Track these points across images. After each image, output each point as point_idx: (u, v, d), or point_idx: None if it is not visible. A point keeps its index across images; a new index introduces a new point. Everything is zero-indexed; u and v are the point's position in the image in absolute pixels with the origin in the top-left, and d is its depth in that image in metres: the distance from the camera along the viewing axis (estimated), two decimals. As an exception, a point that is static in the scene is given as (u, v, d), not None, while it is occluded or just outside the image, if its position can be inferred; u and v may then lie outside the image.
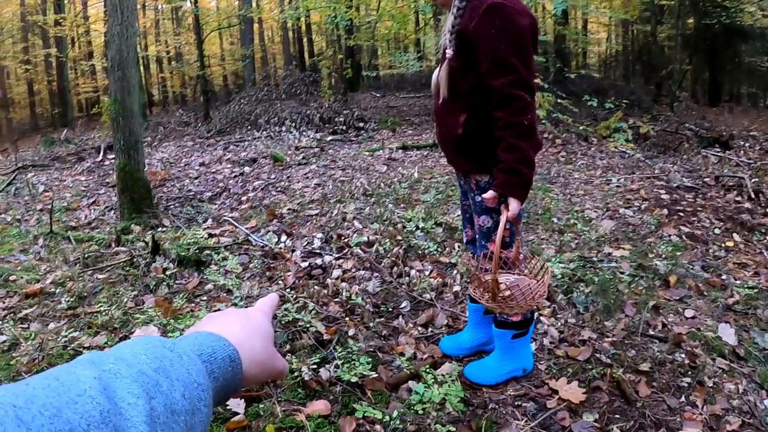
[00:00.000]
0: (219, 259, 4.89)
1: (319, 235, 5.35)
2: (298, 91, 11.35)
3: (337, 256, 4.97)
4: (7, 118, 26.87)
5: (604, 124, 9.84)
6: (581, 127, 9.70)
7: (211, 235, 5.89)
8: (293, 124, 10.55)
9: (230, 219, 6.29)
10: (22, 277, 5.11)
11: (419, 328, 3.76)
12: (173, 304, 4.11)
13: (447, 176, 8.03)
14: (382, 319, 3.89)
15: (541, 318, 3.85)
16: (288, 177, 7.85)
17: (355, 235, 5.32)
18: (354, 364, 3.25)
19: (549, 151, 9.21)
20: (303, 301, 4.08)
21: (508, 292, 2.31)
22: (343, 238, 5.29)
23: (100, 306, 4.43)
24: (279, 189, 7.48)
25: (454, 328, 3.74)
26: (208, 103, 13.50)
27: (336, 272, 4.62)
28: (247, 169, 8.49)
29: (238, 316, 0.85)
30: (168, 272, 4.68)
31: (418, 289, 4.25)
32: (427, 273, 4.54)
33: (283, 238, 5.47)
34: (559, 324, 3.80)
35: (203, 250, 5.02)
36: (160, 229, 6.48)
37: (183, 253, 4.82)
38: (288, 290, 4.38)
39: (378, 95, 16.69)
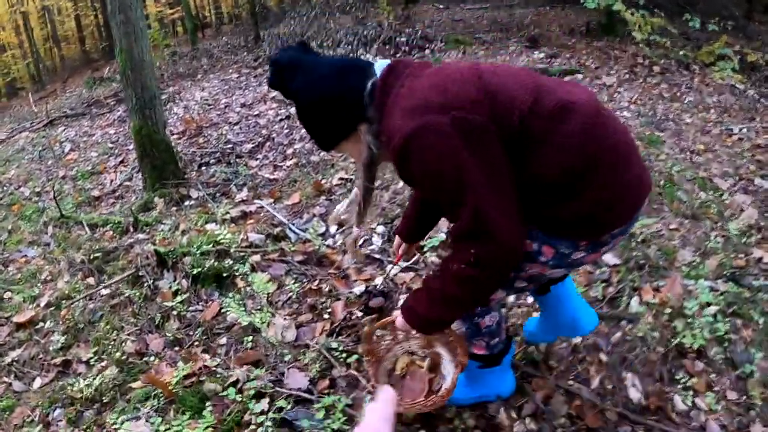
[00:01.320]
0: (245, 272, 3.68)
1: (380, 228, 4.05)
2: (354, 7, 9.74)
3: (405, 265, 3.68)
4: (60, 55, 26.04)
5: (707, 49, 7.94)
6: (681, 52, 7.82)
7: (244, 215, 4.69)
8: (350, 46, 9.04)
9: (267, 192, 5.04)
10: (18, 294, 4.07)
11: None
12: (176, 370, 2.94)
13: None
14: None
15: (696, 400, 2.53)
16: (342, 124, 6.49)
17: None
18: None
19: (647, 82, 7.47)
20: (355, 363, 2.86)
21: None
22: (408, 233, 3.98)
23: (95, 350, 3.32)
24: (331, 141, 6.15)
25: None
26: (257, 25, 12.00)
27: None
28: (294, 110, 7.15)
29: None
30: (179, 296, 3.50)
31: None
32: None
33: (333, 228, 4.20)
34: (720, 407, 2.48)
35: (225, 256, 3.81)
36: (185, 203, 5.31)
37: (198, 268, 3.62)
38: (335, 336, 3.15)
39: (441, 6, 14.75)
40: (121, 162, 6.84)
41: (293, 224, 4.26)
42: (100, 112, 9.11)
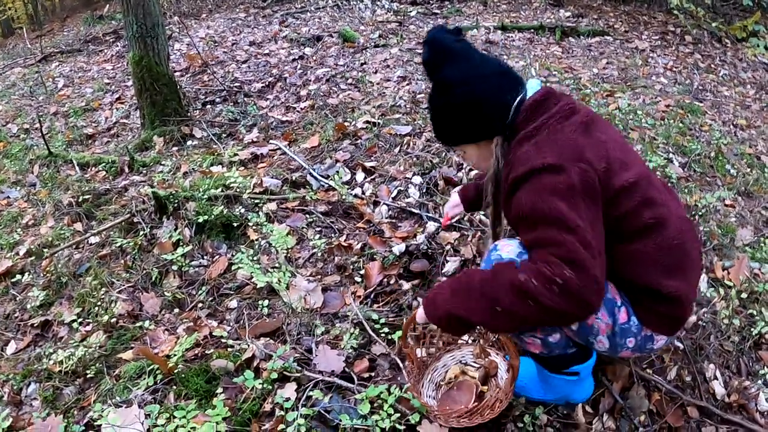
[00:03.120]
0: (259, 222, 3.05)
1: (417, 179, 3.41)
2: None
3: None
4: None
5: (739, 24, 7.46)
6: (714, 24, 7.30)
7: (255, 157, 4.05)
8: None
9: (280, 135, 4.38)
10: (-4, 239, 3.45)
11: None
12: (176, 340, 2.33)
13: (569, 72, 5.89)
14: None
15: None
16: (362, 64, 5.81)
17: (469, 180, 3.36)
18: None
19: (680, 51, 6.99)
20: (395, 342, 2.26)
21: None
22: (452, 185, 3.36)
23: (79, 310, 2.72)
24: (350, 82, 5.48)
25: None
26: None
27: (451, 264, 2.73)
28: (308, 50, 6.46)
29: None
30: (180, 248, 2.88)
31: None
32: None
33: (360, 176, 3.57)
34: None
35: (235, 203, 3.19)
36: (188, 143, 4.65)
37: (204, 216, 2.99)
38: (369, 302, 2.56)
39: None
40: (118, 99, 6.14)
41: (314, 170, 3.62)
42: (98, 48, 8.35)
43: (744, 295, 2.59)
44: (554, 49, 6.59)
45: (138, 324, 2.55)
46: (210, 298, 2.68)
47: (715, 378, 2.24)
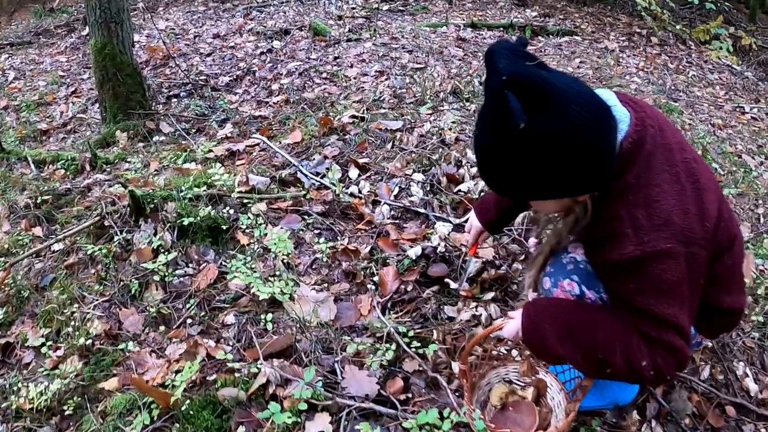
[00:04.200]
0: (250, 224, 2.66)
1: (418, 176, 3.07)
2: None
3: (457, 223, 2.73)
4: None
5: (702, 27, 7.48)
6: (678, 27, 7.31)
7: (231, 154, 3.64)
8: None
9: (256, 130, 3.98)
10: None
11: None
12: (173, 367, 1.94)
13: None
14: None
15: None
16: (335, 58, 5.43)
17: (474, 181, 3.05)
18: None
19: (648, 52, 6.90)
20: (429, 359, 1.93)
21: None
22: (455, 182, 3.03)
23: (46, 331, 2.29)
24: (325, 76, 5.09)
25: None
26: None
27: (473, 266, 2.40)
28: (277, 44, 6.03)
29: None
30: (162, 255, 2.46)
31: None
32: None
33: (353, 173, 3.20)
34: None
35: (220, 203, 2.79)
36: (155, 138, 4.20)
37: (188, 218, 2.59)
38: (387, 312, 2.21)
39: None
40: (74, 92, 5.59)
41: (302, 166, 3.24)
42: (50, 41, 7.69)
43: (759, 291, 2.50)
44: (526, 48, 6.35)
45: (119, 347, 2.13)
46: (201, 313, 2.28)
47: (746, 375, 2.16)
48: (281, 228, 2.66)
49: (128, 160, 3.79)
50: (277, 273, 2.37)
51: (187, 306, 2.32)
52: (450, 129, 3.64)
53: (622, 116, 1.42)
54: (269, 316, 2.16)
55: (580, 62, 5.99)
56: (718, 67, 6.93)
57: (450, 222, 2.74)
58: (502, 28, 6.97)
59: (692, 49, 7.37)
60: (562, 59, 6.05)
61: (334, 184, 3.00)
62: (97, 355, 2.12)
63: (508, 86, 1.22)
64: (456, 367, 1.96)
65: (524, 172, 1.33)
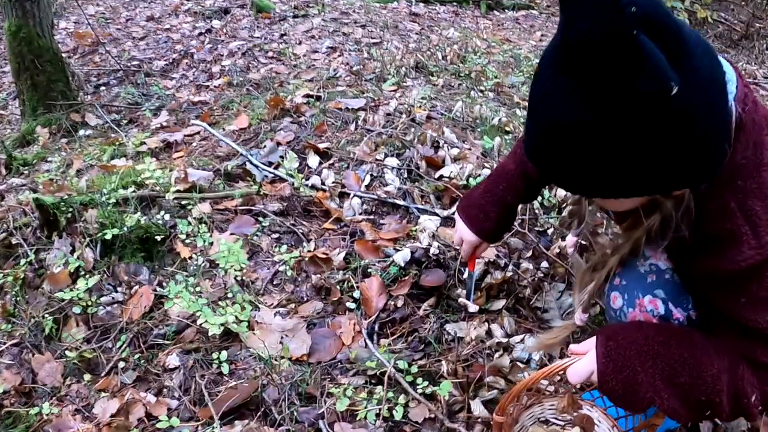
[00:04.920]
0: (192, 232, 2.09)
1: (392, 161, 2.54)
2: None
3: (445, 215, 2.22)
4: None
5: None
6: None
7: (168, 145, 3.05)
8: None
9: (195, 117, 3.37)
10: None
11: None
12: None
13: (507, 44, 5.21)
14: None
15: None
16: (282, 35, 4.82)
17: (459, 164, 2.54)
18: None
19: None
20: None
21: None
22: (435, 167, 2.52)
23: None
24: (271, 55, 4.49)
25: None
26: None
27: (475, 269, 1.89)
28: (216, 23, 5.38)
29: None
30: (83, 280, 1.86)
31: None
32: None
33: (313, 161, 2.65)
34: None
35: (154, 206, 2.21)
36: (80, 132, 3.54)
37: (113, 229, 2.00)
38: (375, 337, 1.69)
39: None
40: (-11, 85, 4.86)
41: (252, 155, 2.67)
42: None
43: None
44: (484, 22, 5.87)
45: (34, 410, 1.55)
46: (136, 353, 1.71)
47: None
48: (231, 234, 2.10)
49: (49, 159, 3.15)
50: (230, 294, 1.81)
51: (118, 345, 1.74)
52: (420, 106, 3.12)
53: (730, 75, 0.95)
54: (223, 354, 1.62)
55: (542, 35, 5.55)
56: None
57: (437, 215, 2.23)
58: (455, 2, 6.46)
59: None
60: (523, 32, 5.61)
61: (291, 175, 2.45)
62: (5, 420, 1.54)
63: (640, 26, 0.72)
64: (472, 407, 1.45)
65: (628, 161, 0.83)
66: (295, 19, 5.18)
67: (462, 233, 1.58)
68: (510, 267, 1.94)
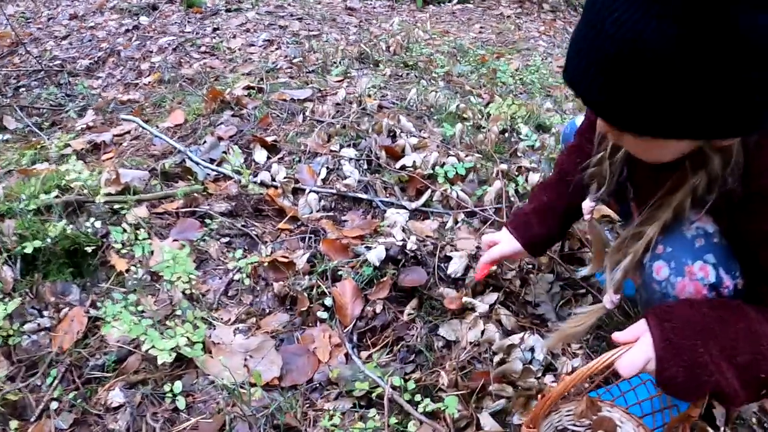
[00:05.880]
0: (127, 240, 1.73)
1: (350, 152, 2.25)
2: None
3: (414, 208, 1.95)
4: None
5: None
6: None
7: (95, 147, 2.67)
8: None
9: (135, 121, 2.98)
10: None
11: None
12: None
13: (447, 35, 5.02)
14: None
15: None
16: (215, 30, 4.42)
17: (420, 153, 2.28)
18: None
19: (543, 18, 6.40)
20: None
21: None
22: (395, 157, 2.24)
23: None
24: (204, 49, 4.10)
25: None
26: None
27: (457, 264, 1.62)
28: (144, 19, 4.91)
29: None
30: (2, 305, 1.48)
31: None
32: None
33: (260, 155, 2.32)
34: None
35: (83, 210, 1.84)
36: None
37: (36, 240, 1.62)
38: (354, 349, 1.40)
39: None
40: None
41: (191, 152, 2.32)
42: None
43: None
44: (421, 16, 5.64)
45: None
46: (71, 390, 1.35)
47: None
48: (174, 241, 1.76)
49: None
50: (178, 311, 1.48)
51: (48, 381, 1.38)
52: (370, 96, 2.84)
53: None
54: (177, 385, 1.29)
55: (481, 27, 5.37)
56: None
57: (404, 207, 1.95)
58: (388, -4, 6.20)
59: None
60: (461, 25, 5.41)
61: (238, 172, 2.12)
62: None
63: None
64: (481, 422, 1.18)
65: (700, 93, 0.69)
66: (228, 13, 4.79)
67: (502, 239, 1.44)
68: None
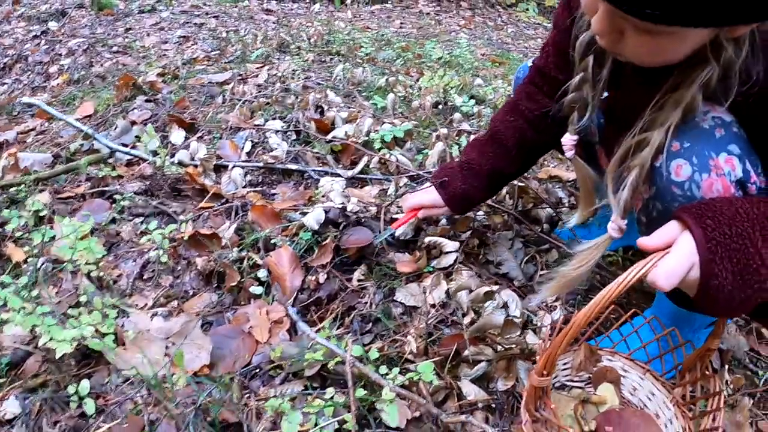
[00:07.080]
0: (27, 224, 1.39)
1: (276, 124, 1.97)
2: None
3: (350, 176, 1.69)
4: None
5: None
6: None
7: None
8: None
9: (31, 117, 2.58)
10: None
11: None
12: None
13: (368, 30, 4.82)
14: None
15: None
16: (127, 30, 4.02)
17: (353, 124, 2.02)
18: None
19: (462, 14, 6.29)
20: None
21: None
22: (324, 131, 1.97)
23: None
24: (116, 49, 3.69)
25: None
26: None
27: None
28: (53, 24, 4.43)
29: None
30: None
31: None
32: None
33: (177, 136, 2.00)
34: None
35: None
36: None
37: None
38: (300, 322, 1.11)
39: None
40: None
41: (100, 135, 1.97)
42: None
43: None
44: (340, 15, 5.40)
45: None
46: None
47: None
48: (78, 221, 1.42)
49: None
50: (84, 300, 1.16)
51: None
52: (292, 77, 2.56)
53: None
54: (84, 385, 0.98)
55: (401, 23, 5.19)
56: (532, 25, 6.53)
57: (339, 175, 1.69)
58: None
59: (501, 11, 6.95)
60: (382, 22, 5.20)
61: (155, 153, 1.79)
62: None
63: None
64: (463, 391, 0.94)
65: None
66: (141, 14, 4.39)
67: (422, 196, 1.26)
68: (443, 219, 1.45)
